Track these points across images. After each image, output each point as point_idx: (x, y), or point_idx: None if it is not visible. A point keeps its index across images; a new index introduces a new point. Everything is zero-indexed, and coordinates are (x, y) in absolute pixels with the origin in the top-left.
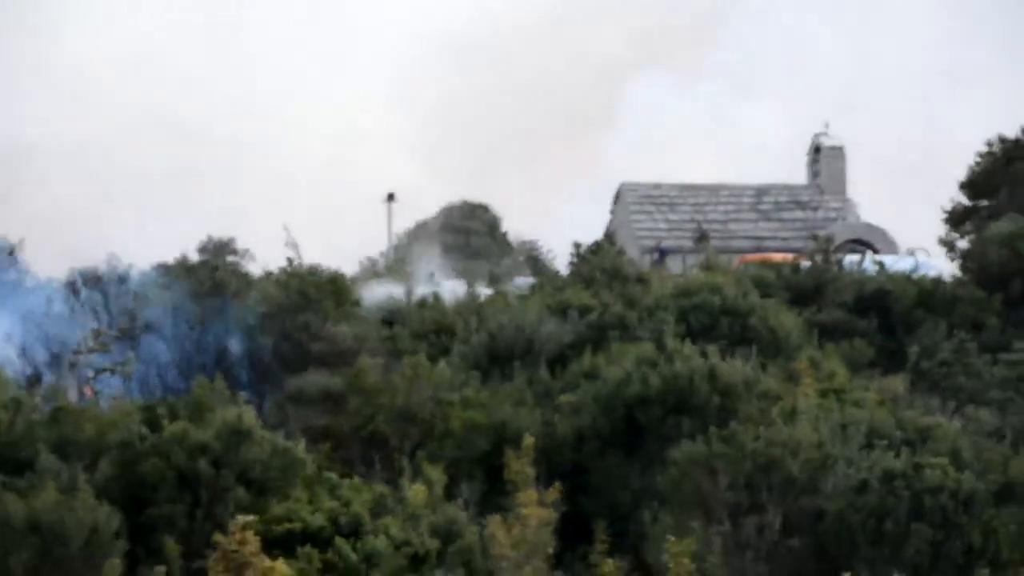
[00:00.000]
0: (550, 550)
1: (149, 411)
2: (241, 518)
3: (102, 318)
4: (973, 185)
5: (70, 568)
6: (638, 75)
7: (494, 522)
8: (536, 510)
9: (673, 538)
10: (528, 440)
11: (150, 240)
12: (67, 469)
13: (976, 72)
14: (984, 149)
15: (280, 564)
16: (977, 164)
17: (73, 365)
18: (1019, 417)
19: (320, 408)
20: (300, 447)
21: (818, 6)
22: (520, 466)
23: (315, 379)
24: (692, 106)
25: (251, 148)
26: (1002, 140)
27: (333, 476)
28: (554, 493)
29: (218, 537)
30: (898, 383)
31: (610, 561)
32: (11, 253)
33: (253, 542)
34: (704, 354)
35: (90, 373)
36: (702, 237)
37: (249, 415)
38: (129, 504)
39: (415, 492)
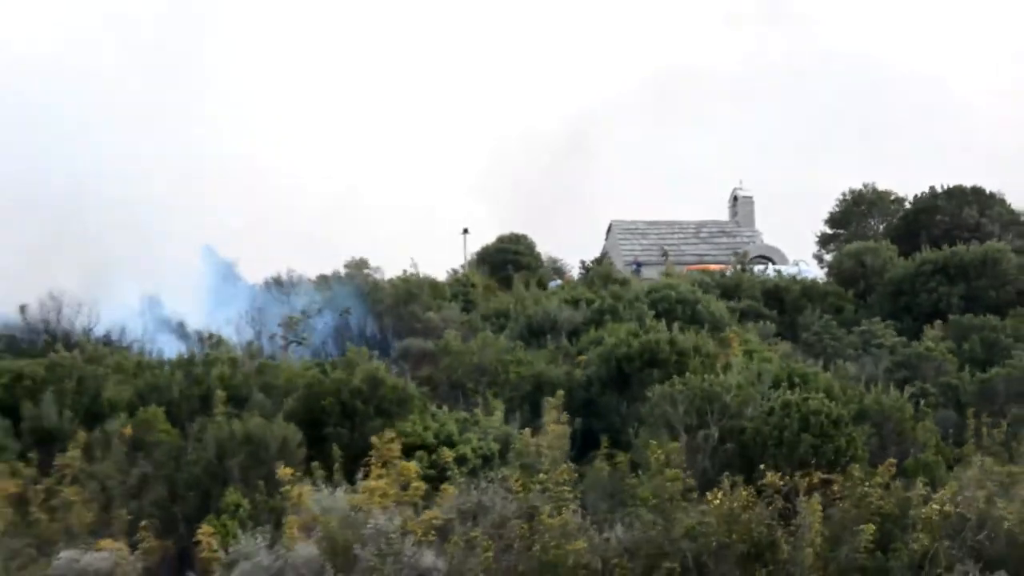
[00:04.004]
0: (567, 449)
1: (320, 366)
2: (380, 436)
3: (285, 308)
4: (834, 220)
5: (268, 466)
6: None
7: (532, 433)
8: (557, 427)
9: (655, 443)
10: (559, 393)
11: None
12: (268, 403)
13: (836, 143)
14: (840, 197)
15: (411, 464)
16: (837, 207)
17: (272, 337)
18: (866, 368)
19: (423, 364)
20: (412, 387)
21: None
22: (552, 404)
23: (415, 342)
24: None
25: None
26: (851, 191)
27: (433, 407)
28: (567, 418)
29: (374, 442)
30: (790, 347)
31: (620, 454)
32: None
33: (396, 447)
34: (670, 329)
35: (283, 343)
36: (664, 255)
37: (382, 368)
38: (308, 425)
39: (493, 418)
